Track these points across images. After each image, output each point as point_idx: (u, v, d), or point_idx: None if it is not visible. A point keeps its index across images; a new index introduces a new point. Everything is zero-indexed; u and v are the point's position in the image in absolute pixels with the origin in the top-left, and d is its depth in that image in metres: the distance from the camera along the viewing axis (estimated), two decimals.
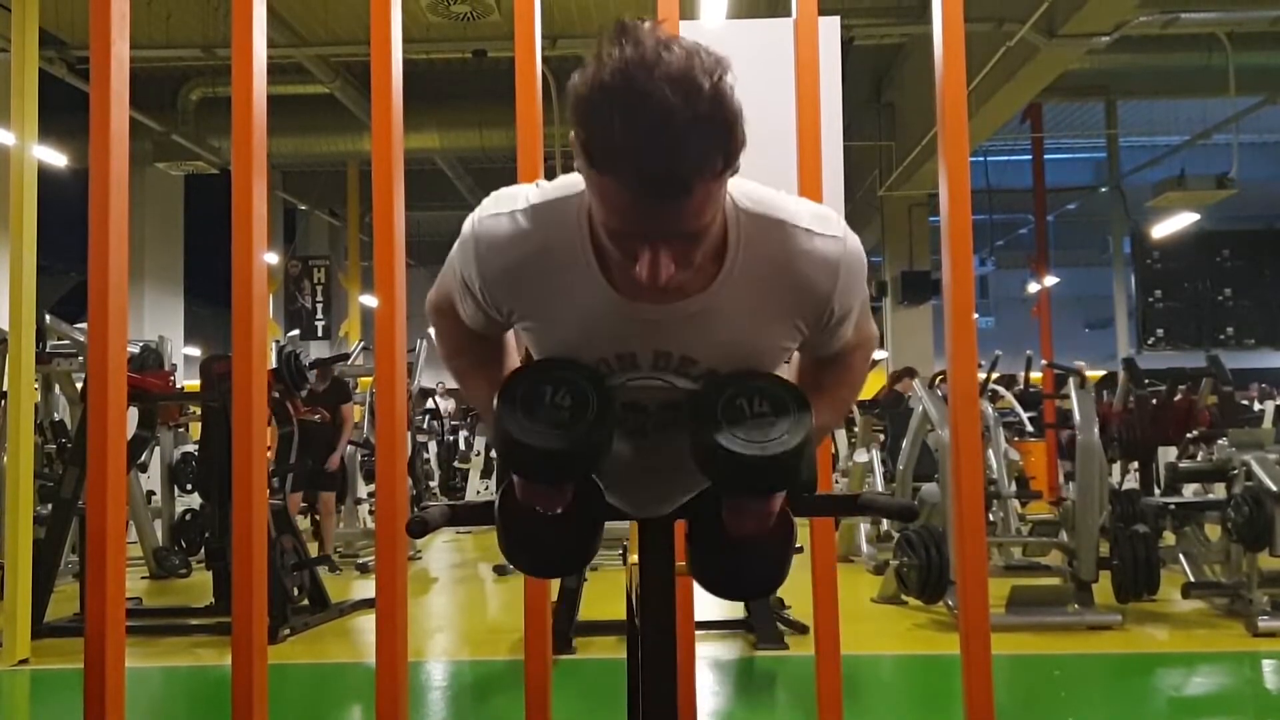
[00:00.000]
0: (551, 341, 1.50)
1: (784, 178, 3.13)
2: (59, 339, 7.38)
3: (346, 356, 10.20)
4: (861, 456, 7.50)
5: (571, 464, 1.44)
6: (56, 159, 9.04)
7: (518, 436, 1.41)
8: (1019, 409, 9.14)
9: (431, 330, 1.68)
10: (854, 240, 1.47)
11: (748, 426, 1.40)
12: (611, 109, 1.21)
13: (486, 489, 10.73)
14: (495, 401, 1.45)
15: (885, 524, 7.23)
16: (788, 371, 1.61)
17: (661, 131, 1.19)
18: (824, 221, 1.44)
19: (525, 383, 1.46)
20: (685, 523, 1.69)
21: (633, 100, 1.20)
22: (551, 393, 1.43)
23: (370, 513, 8.57)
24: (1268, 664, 4.59)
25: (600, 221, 1.31)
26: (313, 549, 6.92)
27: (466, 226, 1.51)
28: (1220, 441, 5.81)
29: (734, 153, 1.25)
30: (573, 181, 1.41)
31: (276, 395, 6.37)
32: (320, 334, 16.76)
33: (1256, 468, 5.10)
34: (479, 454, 11.18)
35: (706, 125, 1.21)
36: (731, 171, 1.27)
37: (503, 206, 1.48)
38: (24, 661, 4.63)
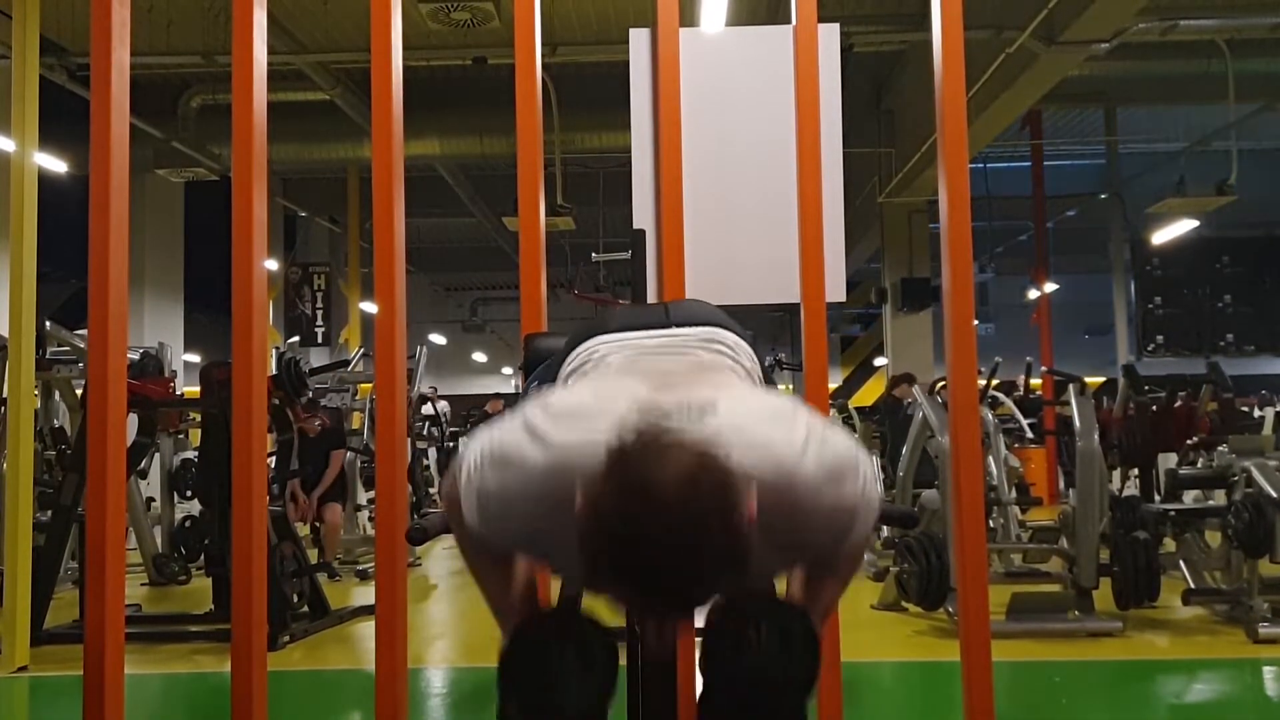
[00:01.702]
0: (556, 568, 1.58)
1: (784, 182, 3.14)
2: (59, 345, 7.37)
3: (346, 363, 10.20)
4: None
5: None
6: (57, 166, 9.04)
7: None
8: (1019, 415, 9.13)
9: (446, 512, 1.66)
10: (869, 496, 1.46)
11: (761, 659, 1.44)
12: (613, 560, 1.19)
13: None
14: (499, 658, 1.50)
15: (885, 530, 7.22)
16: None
17: (670, 587, 1.19)
18: (839, 485, 1.42)
19: (528, 656, 1.50)
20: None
21: (634, 559, 1.18)
22: (557, 660, 1.47)
23: (370, 519, 8.57)
24: (1268, 671, 4.58)
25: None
26: (312, 556, 6.91)
27: (465, 481, 1.48)
28: (1220, 448, 5.81)
29: (746, 566, 1.23)
30: (572, 425, 1.40)
31: (276, 402, 6.37)
32: (320, 340, 16.75)
33: (1257, 474, 5.10)
34: None
35: (716, 568, 1.20)
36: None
37: (500, 475, 1.44)
38: (23, 668, 4.63)
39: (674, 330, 1.83)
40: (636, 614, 1.29)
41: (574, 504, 1.29)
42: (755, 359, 1.88)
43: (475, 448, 1.49)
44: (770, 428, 1.43)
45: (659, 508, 1.16)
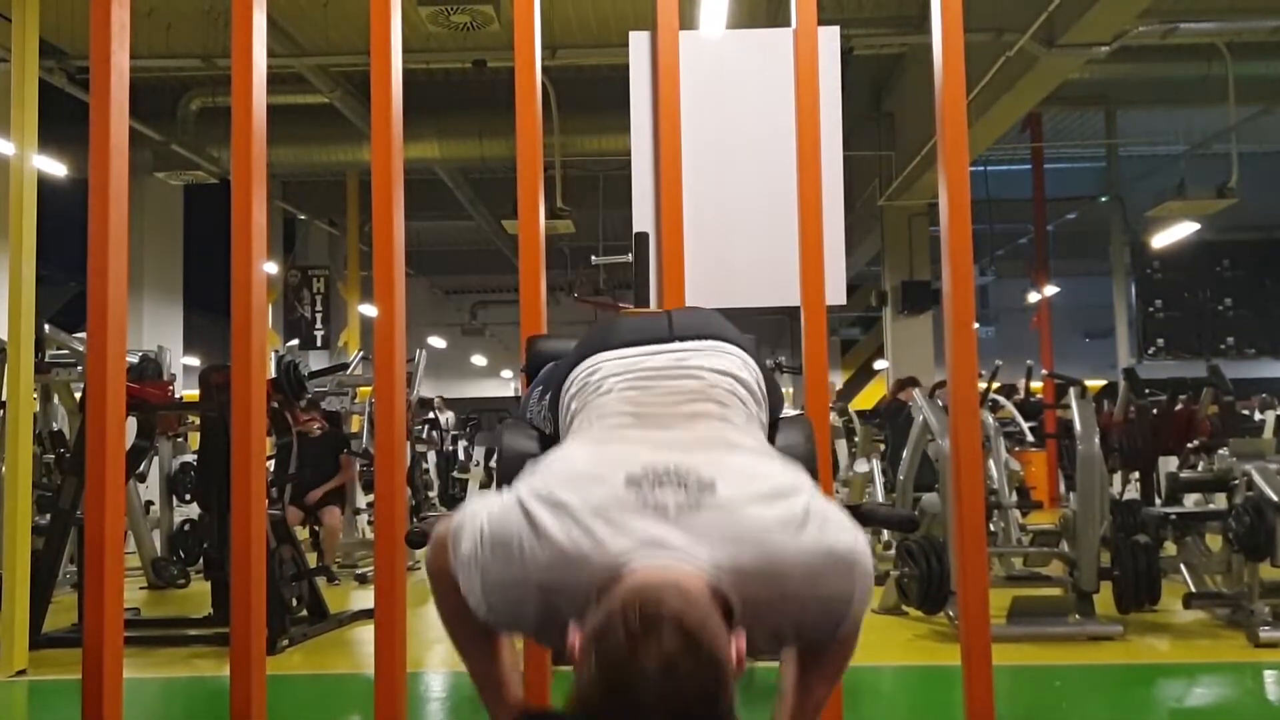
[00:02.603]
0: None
1: (784, 185, 3.13)
2: (58, 348, 7.36)
3: (345, 366, 10.19)
4: (862, 467, 7.49)
5: None
6: (56, 168, 9.04)
7: None
8: (1019, 419, 9.12)
9: (430, 583, 1.66)
10: (864, 584, 1.48)
11: None
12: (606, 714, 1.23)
13: None
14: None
15: (886, 534, 7.21)
16: None
17: None
18: (834, 574, 1.44)
19: None
20: None
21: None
22: None
23: (369, 523, 8.56)
24: (1269, 675, 4.57)
25: None
26: (311, 559, 6.90)
27: (469, 560, 1.48)
28: (1221, 451, 5.80)
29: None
30: (571, 524, 1.41)
31: (275, 405, 6.36)
32: (319, 344, 16.75)
33: (1257, 478, 5.09)
34: (478, 464, 11.17)
35: None
36: None
37: (502, 568, 1.45)
38: (21, 672, 4.61)
39: (676, 346, 1.82)
40: None
41: (566, 604, 1.37)
42: (757, 369, 1.87)
43: (476, 525, 1.48)
44: (766, 509, 1.43)
45: (642, 699, 1.21)
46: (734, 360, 1.82)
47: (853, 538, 1.46)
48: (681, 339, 1.84)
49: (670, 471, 1.43)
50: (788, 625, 1.44)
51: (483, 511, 1.50)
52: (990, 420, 6.40)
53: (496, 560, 1.43)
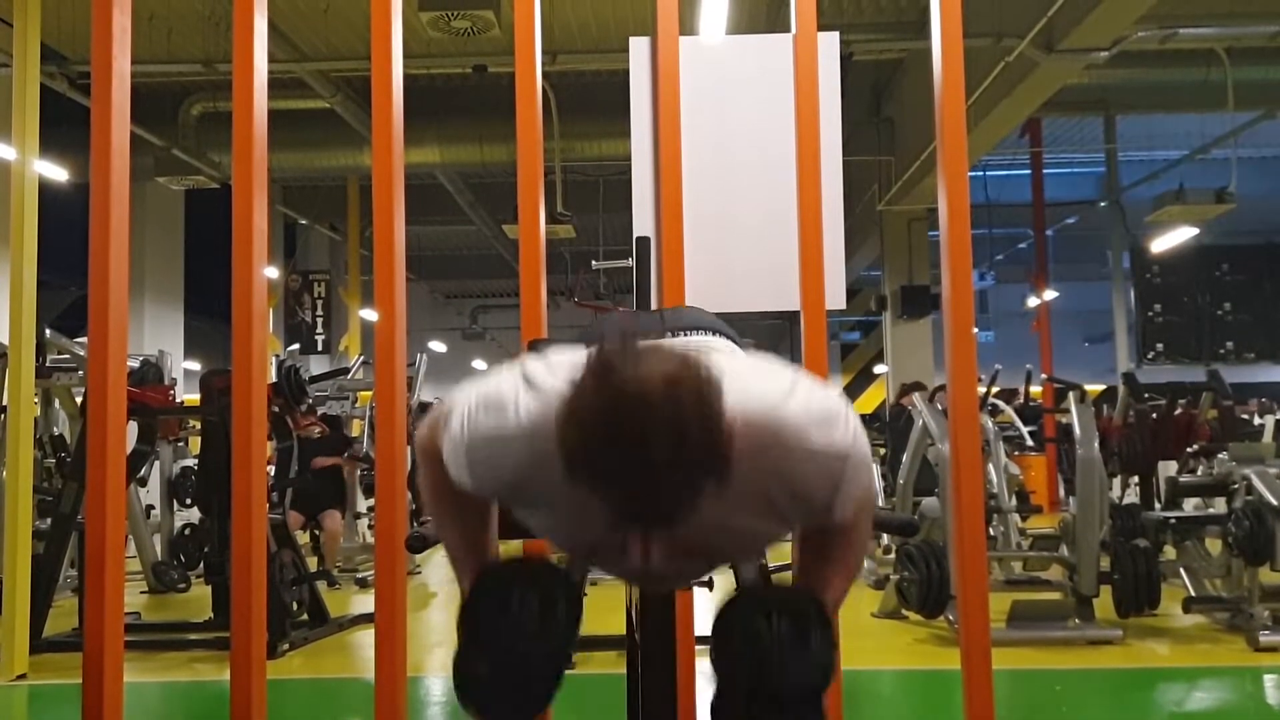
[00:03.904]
0: (540, 526, 1.52)
1: (784, 190, 3.14)
2: (59, 353, 7.38)
3: (346, 371, 10.20)
4: None
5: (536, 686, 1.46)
6: (58, 173, 9.05)
7: (479, 672, 1.43)
8: (1019, 423, 9.13)
9: (416, 459, 1.63)
10: (859, 447, 1.43)
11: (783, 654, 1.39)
12: (592, 457, 1.19)
13: None
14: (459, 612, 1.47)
15: (885, 538, 7.22)
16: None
17: (648, 483, 1.17)
18: (828, 429, 1.40)
19: (486, 606, 1.47)
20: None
21: (614, 455, 1.17)
22: (516, 607, 1.44)
23: (369, 527, 8.56)
24: (1269, 679, 4.58)
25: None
26: (312, 564, 6.90)
27: (456, 428, 1.45)
28: (1220, 456, 5.81)
29: (725, 474, 1.23)
30: (569, 376, 1.33)
31: (276, 410, 6.37)
32: (320, 348, 16.75)
33: (1257, 482, 5.10)
34: None
35: (694, 469, 1.19)
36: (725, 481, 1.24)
37: (493, 420, 1.41)
38: (22, 677, 4.62)
39: (668, 339, 1.85)
40: (620, 528, 1.25)
41: (556, 467, 1.27)
42: None
43: (468, 394, 1.47)
44: (757, 375, 1.45)
45: (638, 405, 1.16)
46: (725, 350, 1.85)
47: (840, 402, 1.45)
48: (673, 331, 1.87)
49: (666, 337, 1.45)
50: (778, 488, 1.39)
51: (478, 384, 1.49)
52: (990, 425, 6.41)
53: (488, 415, 1.41)
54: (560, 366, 1.39)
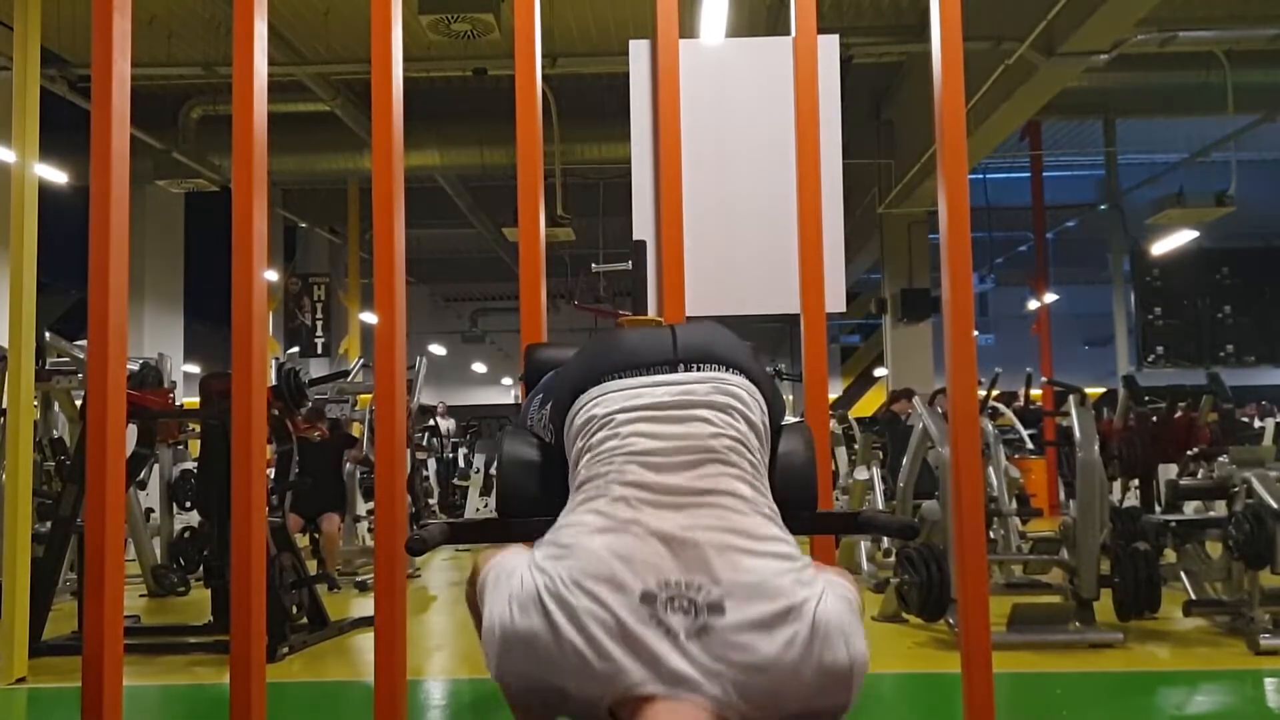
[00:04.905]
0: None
1: (784, 193, 3.14)
2: (59, 356, 7.38)
3: (346, 374, 10.20)
4: (862, 474, 7.49)
5: None
6: (58, 177, 9.06)
7: None
8: (1019, 426, 9.14)
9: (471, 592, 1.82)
10: (859, 679, 1.66)
11: None
12: None
13: (486, 506, 10.72)
14: None
15: (886, 541, 7.21)
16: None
17: None
18: (833, 680, 1.63)
19: None
20: None
21: None
22: None
23: (369, 530, 8.56)
24: (1269, 682, 4.57)
25: None
26: (312, 567, 6.90)
27: (488, 632, 1.65)
28: (1221, 459, 5.80)
29: None
30: (581, 626, 1.55)
31: (275, 413, 6.36)
32: (320, 351, 16.76)
33: (1257, 485, 5.09)
34: (478, 471, 11.17)
35: None
36: None
37: (527, 662, 1.59)
38: (21, 680, 4.62)
39: (681, 376, 1.83)
40: None
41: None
42: (761, 398, 1.86)
43: (501, 601, 1.62)
44: (770, 640, 1.55)
45: None
46: (739, 393, 1.82)
47: (849, 655, 1.62)
48: (685, 363, 1.85)
49: (681, 591, 1.56)
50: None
51: (508, 582, 1.63)
52: (990, 428, 6.41)
53: (516, 653, 1.58)
54: (582, 620, 1.56)
